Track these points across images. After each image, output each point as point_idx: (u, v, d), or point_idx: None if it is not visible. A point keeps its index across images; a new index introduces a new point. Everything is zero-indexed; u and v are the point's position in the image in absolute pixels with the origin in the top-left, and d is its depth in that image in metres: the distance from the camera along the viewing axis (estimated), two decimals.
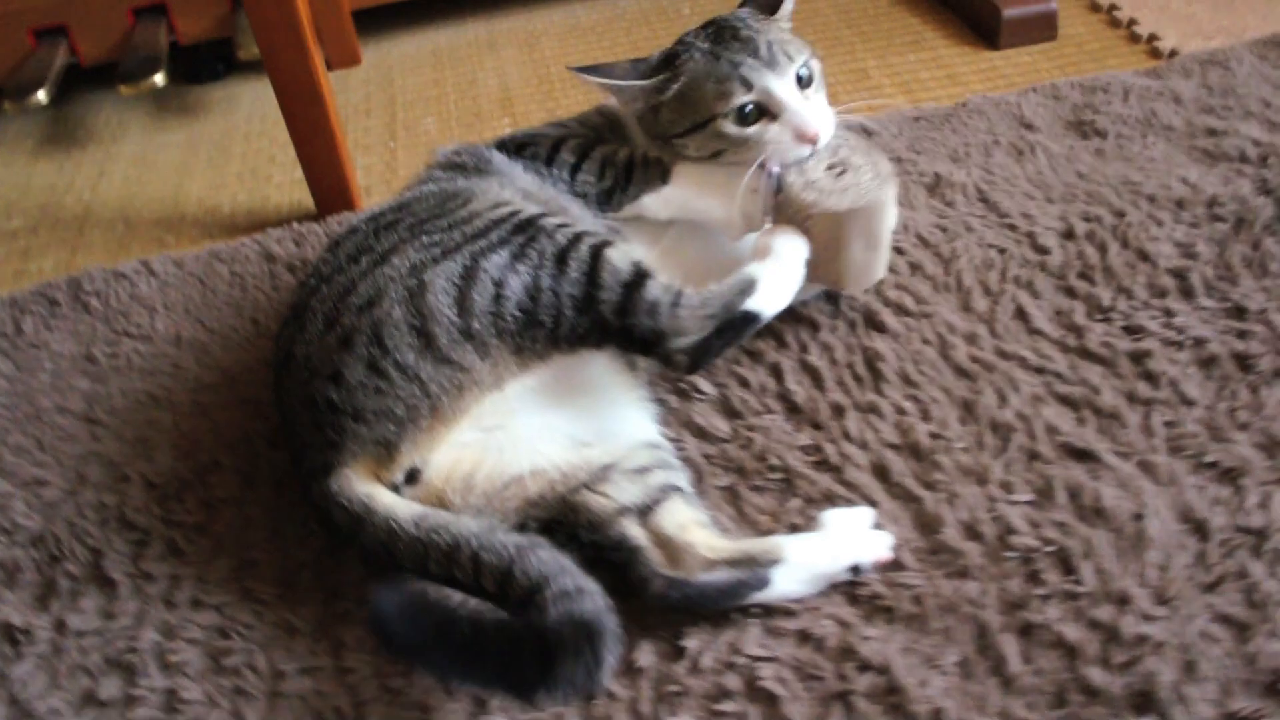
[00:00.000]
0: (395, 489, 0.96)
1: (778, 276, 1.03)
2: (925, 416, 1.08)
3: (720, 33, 1.13)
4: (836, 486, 1.03)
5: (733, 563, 0.93)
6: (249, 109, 1.79)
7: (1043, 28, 1.71)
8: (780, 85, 1.09)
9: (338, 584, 0.99)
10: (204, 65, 1.87)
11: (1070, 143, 1.44)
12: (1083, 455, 1.03)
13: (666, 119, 1.13)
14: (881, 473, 1.04)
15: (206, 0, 1.74)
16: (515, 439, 0.97)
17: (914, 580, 0.94)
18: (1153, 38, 1.68)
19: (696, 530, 0.95)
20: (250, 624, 0.97)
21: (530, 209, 1.04)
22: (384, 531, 0.91)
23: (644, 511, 0.96)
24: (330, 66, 1.89)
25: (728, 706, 0.87)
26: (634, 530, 0.95)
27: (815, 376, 1.14)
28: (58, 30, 1.74)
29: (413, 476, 0.96)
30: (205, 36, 1.78)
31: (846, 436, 1.07)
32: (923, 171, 1.40)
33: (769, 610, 0.93)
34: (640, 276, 0.98)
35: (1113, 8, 1.78)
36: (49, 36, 1.74)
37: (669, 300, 0.97)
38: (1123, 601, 0.90)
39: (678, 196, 1.13)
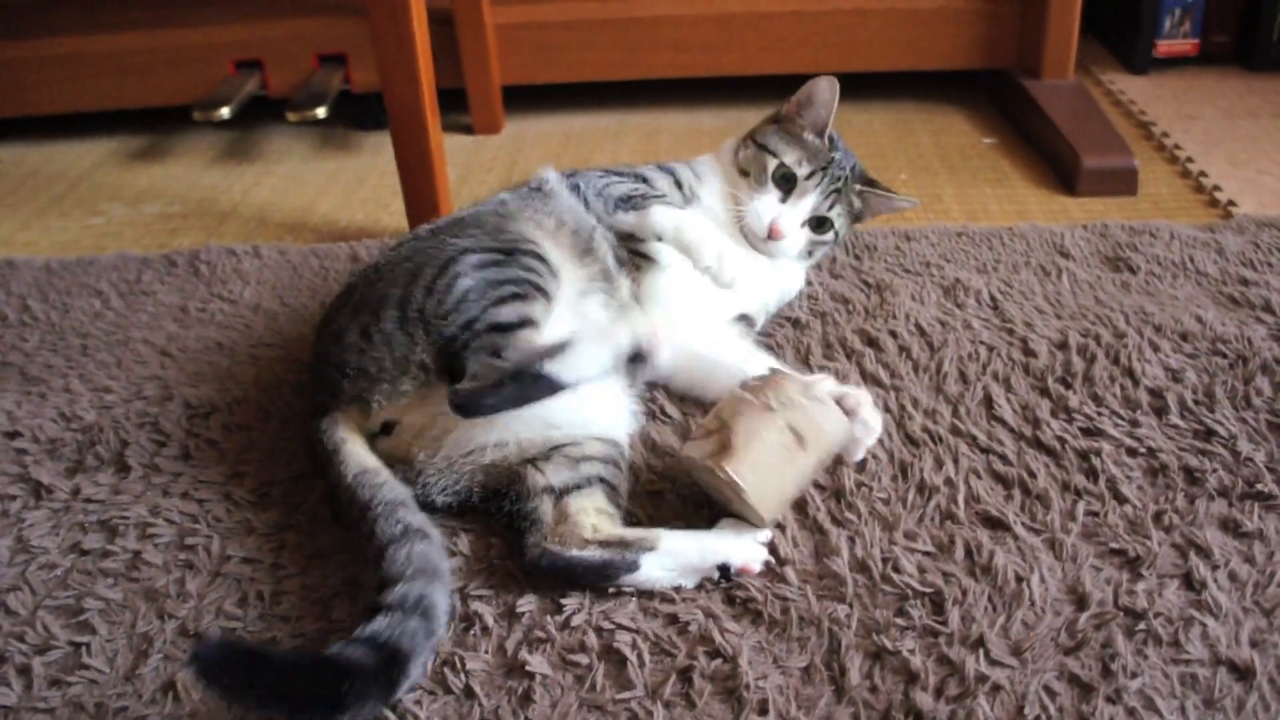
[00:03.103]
0: (372, 438, 1.10)
1: (586, 350, 1.05)
2: (859, 469, 1.15)
3: (842, 147, 1.41)
4: None
5: (607, 544, 1.01)
6: (393, 156, 2.05)
7: (1123, 182, 1.76)
8: (811, 196, 1.35)
9: (301, 502, 1.13)
10: (369, 114, 2.14)
11: (1099, 273, 1.49)
12: (995, 524, 1.07)
13: (770, 131, 1.40)
14: (799, 505, 1.10)
15: None
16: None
17: (790, 594, 1.00)
18: (1230, 204, 1.70)
19: (594, 515, 1.04)
20: (220, 518, 1.12)
21: (524, 244, 1.18)
22: (335, 474, 1.06)
23: (562, 493, 1.06)
24: (473, 130, 2.14)
25: (580, 659, 0.95)
26: (545, 507, 1.05)
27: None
28: (255, 63, 2.05)
29: (388, 428, 1.10)
30: (374, 88, 2.05)
31: None
32: (945, 276, 1.48)
33: (651, 594, 1.01)
34: (518, 326, 1.08)
35: (1201, 174, 1.82)
36: (246, 67, 2.05)
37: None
38: (977, 646, 0.94)
39: (676, 216, 1.34)
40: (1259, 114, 2.07)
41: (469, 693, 0.92)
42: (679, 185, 1.42)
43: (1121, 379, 1.26)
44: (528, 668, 0.94)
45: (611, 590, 1.01)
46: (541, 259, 1.17)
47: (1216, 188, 1.76)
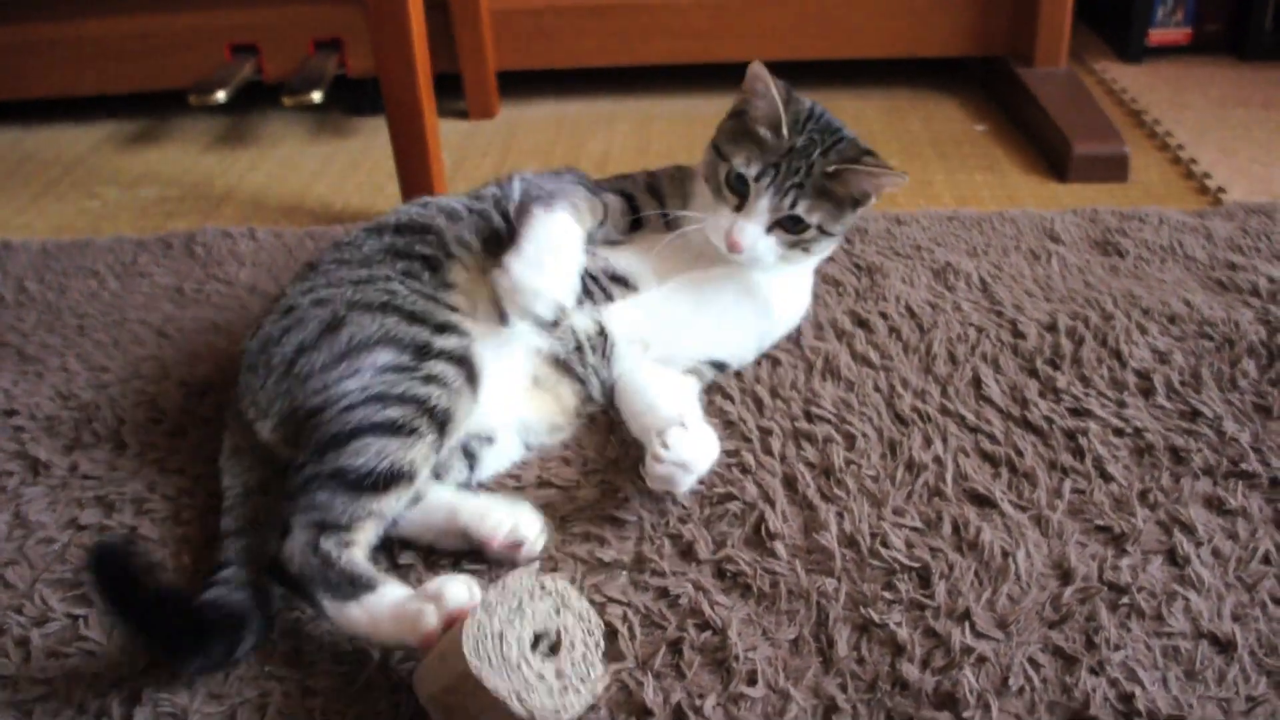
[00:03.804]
0: None
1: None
2: (849, 447, 1.16)
3: (816, 128, 1.21)
4: (748, 484, 1.11)
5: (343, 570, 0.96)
6: (389, 141, 2.06)
7: (1113, 169, 1.77)
8: (765, 198, 1.17)
9: None
10: (364, 99, 2.15)
11: (1088, 257, 1.50)
12: (982, 501, 1.09)
13: (725, 129, 1.24)
14: (789, 482, 1.12)
15: None
16: None
17: (779, 568, 1.02)
18: (1220, 191, 1.72)
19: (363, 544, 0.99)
20: (215, 493, 1.13)
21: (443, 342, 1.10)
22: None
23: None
24: (468, 115, 2.15)
25: None
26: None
27: (758, 403, 1.23)
28: (251, 48, 2.05)
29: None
30: (370, 73, 2.05)
31: (768, 451, 1.16)
32: (935, 259, 1.49)
33: (642, 568, 1.02)
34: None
35: (1192, 161, 1.83)
36: (242, 52, 2.05)
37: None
38: (963, 619, 0.95)
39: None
40: (1250, 103, 2.09)
41: None
42: (652, 196, 1.29)
43: (1109, 361, 1.27)
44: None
45: (604, 563, 1.03)
46: (459, 360, 1.08)
47: (1207, 175, 1.78)
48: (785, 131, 1.18)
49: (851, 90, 2.22)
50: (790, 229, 1.19)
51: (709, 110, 2.13)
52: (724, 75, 2.23)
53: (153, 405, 1.26)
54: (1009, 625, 0.94)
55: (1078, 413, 1.20)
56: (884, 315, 1.37)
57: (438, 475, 1.08)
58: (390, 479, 0.99)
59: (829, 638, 0.95)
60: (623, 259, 1.24)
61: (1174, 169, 1.83)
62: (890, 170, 1.19)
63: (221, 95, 1.90)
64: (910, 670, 0.91)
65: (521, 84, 2.21)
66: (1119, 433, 1.17)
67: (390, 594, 0.94)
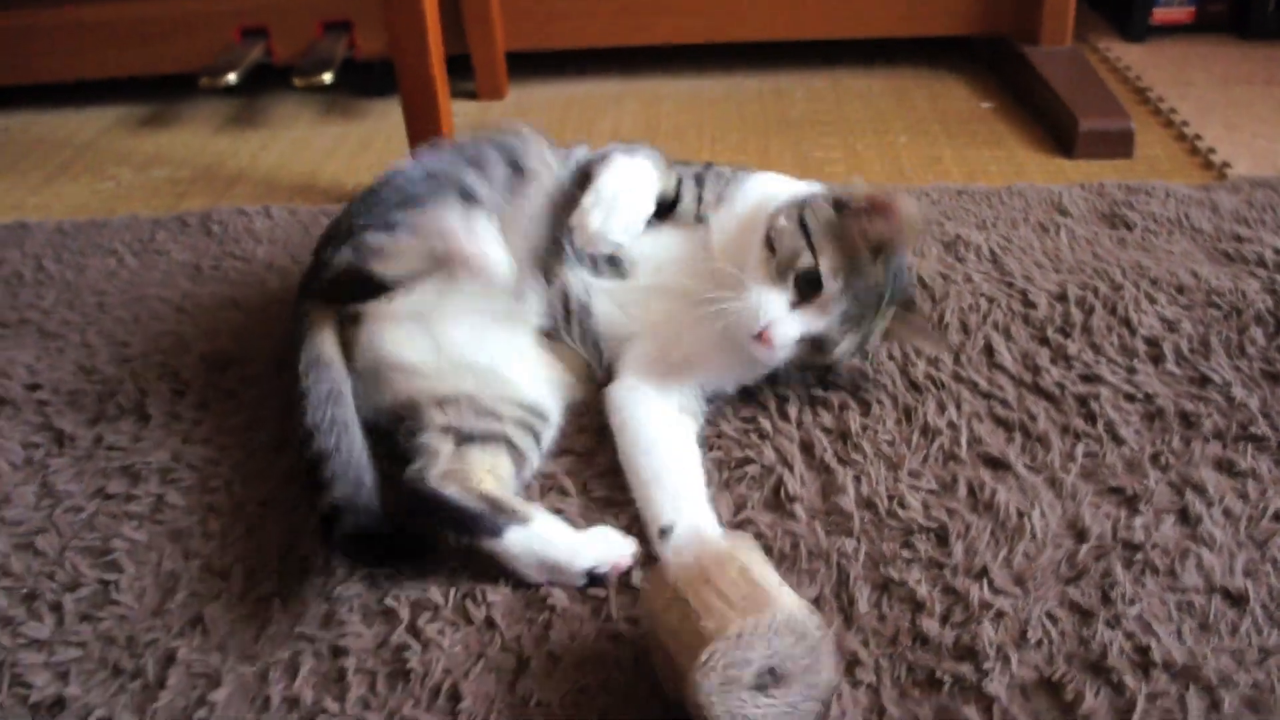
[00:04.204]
0: (342, 325, 1.12)
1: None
2: (865, 413, 1.18)
3: (898, 274, 1.13)
4: (765, 449, 1.13)
5: (484, 499, 0.99)
6: (400, 120, 2.07)
7: (1119, 144, 1.79)
8: (829, 314, 1.09)
9: None
10: (373, 80, 2.16)
11: (1096, 229, 1.52)
12: (997, 464, 1.10)
13: (824, 216, 1.12)
14: (807, 447, 1.14)
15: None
16: (434, 342, 1.11)
17: (798, 530, 1.03)
18: (1225, 165, 1.73)
19: (487, 472, 1.03)
20: (240, 462, 1.15)
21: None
22: (294, 354, 1.09)
23: (464, 438, 1.06)
24: (478, 96, 2.16)
25: (597, 591, 0.98)
26: (443, 445, 1.05)
27: (771, 375, 1.24)
28: (260, 31, 2.06)
29: (355, 319, 1.12)
30: (380, 55, 2.06)
31: (785, 417, 1.18)
32: (945, 232, 1.51)
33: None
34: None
35: (1197, 137, 1.84)
36: (252, 35, 2.07)
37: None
38: (980, 576, 0.97)
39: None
40: (1253, 80, 2.10)
41: (490, 623, 0.95)
42: (697, 186, 1.22)
43: (1119, 329, 1.29)
44: (548, 600, 0.97)
45: (625, 529, 1.04)
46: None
47: (1211, 150, 1.79)
48: (883, 269, 1.10)
49: (860, 69, 2.23)
50: (815, 348, 1.11)
51: (716, 90, 2.15)
52: (730, 55, 2.26)
53: (175, 378, 1.28)
54: (1026, 582, 0.96)
55: (1089, 379, 1.21)
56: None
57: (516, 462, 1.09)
58: None
59: (849, 596, 0.96)
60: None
61: (1179, 145, 1.85)
62: (940, 340, 1.27)
63: (232, 77, 1.92)
64: (930, 625, 0.93)
65: (530, 65, 2.22)
66: (1130, 398, 1.19)
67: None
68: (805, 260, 1.08)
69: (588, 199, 1.13)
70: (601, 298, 1.19)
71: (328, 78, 1.89)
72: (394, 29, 1.56)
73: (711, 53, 2.21)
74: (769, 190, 1.21)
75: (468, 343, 1.13)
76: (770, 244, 1.11)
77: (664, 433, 1.12)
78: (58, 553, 1.05)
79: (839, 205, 1.13)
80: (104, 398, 1.25)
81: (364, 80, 2.17)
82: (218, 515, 1.09)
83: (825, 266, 1.08)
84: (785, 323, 1.09)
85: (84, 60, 2.13)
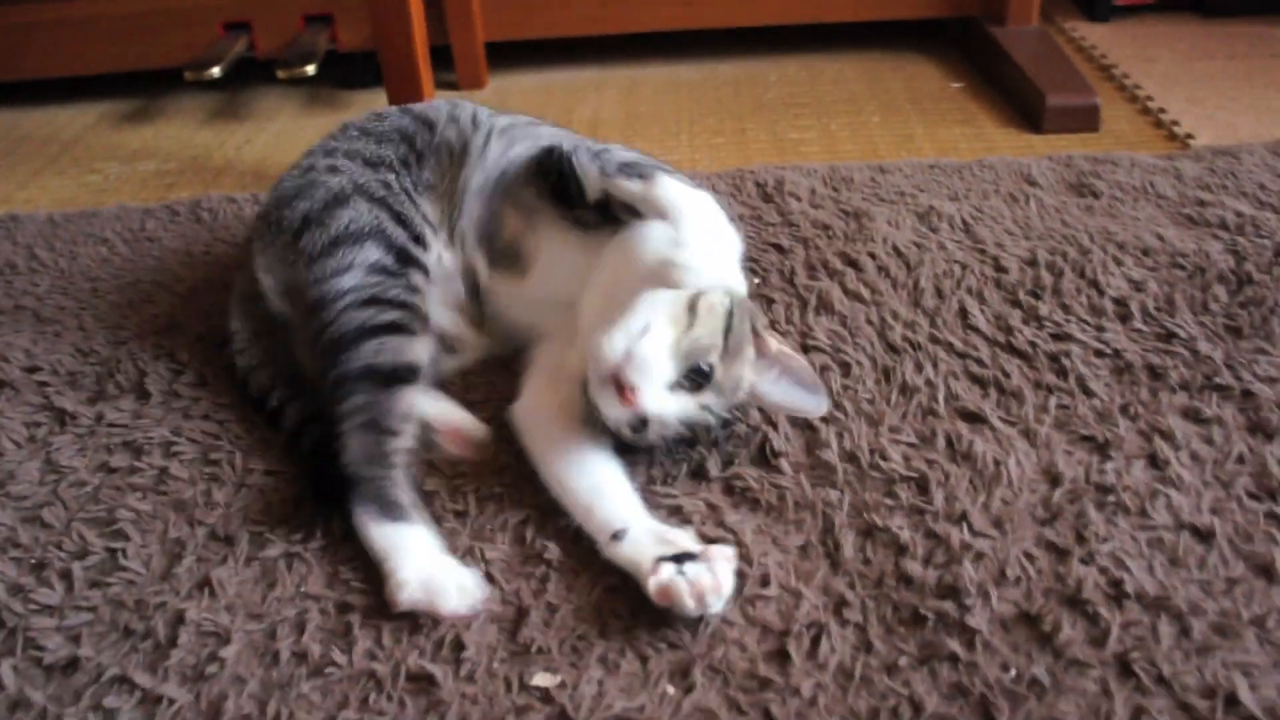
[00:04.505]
0: None
1: None
2: (845, 374, 1.22)
3: None
4: (750, 408, 1.16)
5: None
6: None
7: (1085, 119, 1.84)
8: (691, 404, 1.03)
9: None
10: (356, 73, 2.19)
11: (1065, 198, 1.56)
12: (973, 418, 1.15)
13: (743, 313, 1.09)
14: None
15: (364, 15, 2.07)
16: None
17: (784, 483, 1.07)
18: (1189, 136, 1.79)
19: None
20: (240, 435, 1.18)
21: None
22: None
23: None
24: (458, 86, 2.19)
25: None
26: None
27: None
28: (243, 25, 2.09)
29: None
30: (361, 47, 2.10)
31: None
32: (919, 203, 1.55)
33: (654, 488, 1.08)
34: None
35: (1161, 110, 1.90)
36: (235, 29, 2.09)
37: None
38: (960, 520, 1.01)
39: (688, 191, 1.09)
40: (1215, 56, 2.16)
41: (489, 578, 0.99)
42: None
43: (1088, 290, 1.34)
44: (545, 555, 1.01)
45: None
46: (425, 274, 1.18)
47: (1175, 123, 1.84)
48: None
49: (832, 54, 2.28)
50: (641, 428, 1.02)
51: (692, 76, 2.19)
52: (706, 41, 2.30)
53: (172, 358, 1.30)
54: (1004, 524, 1.00)
55: (1060, 337, 1.26)
56: (872, 255, 1.42)
57: None
58: (411, 372, 1.09)
59: (835, 542, 1.00)
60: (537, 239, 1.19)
61: (1144, 119, 1.90)
62: None
63: (216, 71, 1.94)
64: (913, 567, 0.97)
65: (509, 54, 2.26)
66: (1099, 354, 1.23)
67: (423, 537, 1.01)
68: (714, 355, 1.02)
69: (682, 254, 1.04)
70: (499, 292, 1.22)
71: (311, 69, 1.92)
72: (379, 20, 1.59)
73: (687, 40, 2.26)
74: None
75: None
76: (693, 311, 1.03)
77: (580, 447, 1.07)
78: (64, 524, 1.08)
79: (754, 329, 1.08)
80: (103, 378, 1.28)
81: (345, 72, 2.21)
82: (220, 485, 1.12)
83: (719, 373, 1.03)
84: (657, 397, 1.00)
85: (69, 57, 2.15)
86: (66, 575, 1.02)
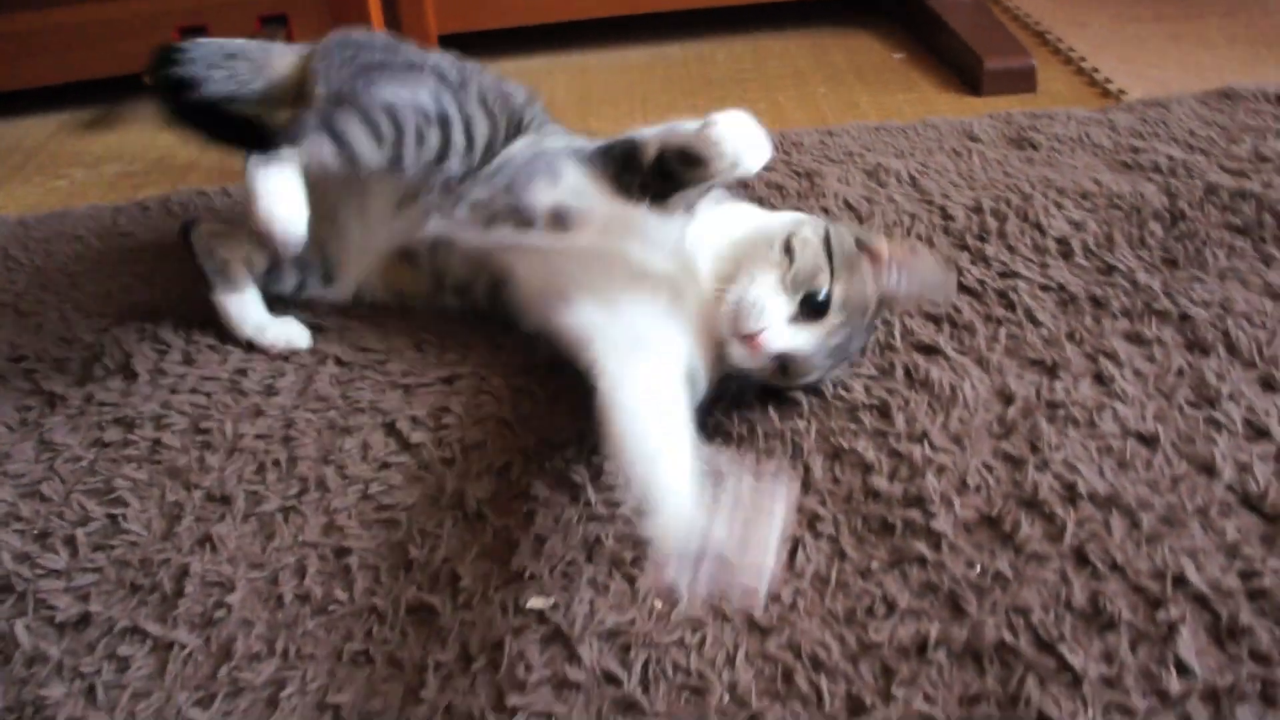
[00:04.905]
0: None
1: None
2: None
3: None
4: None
5: (220, 262, 1.33)
6: None
7: (1022, 81, 1.92)
8: (825, 339, 1.08)
9: (307, 387, 1.24)
10: None
11: (1005, 152, 1.64)
12: (929, 350, 1.21)
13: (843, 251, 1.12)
14: None
15: (320, 13, 2.11)
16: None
17: (753, 415, 1.13)
18: (1122, 92, 1.87)
19: (241, 252, 1.34)
20: (229, 405, 1.22)
21: None
22: None
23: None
24: None
25: (575, 478, 1.07)
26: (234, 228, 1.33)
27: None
28: (199, 29, 2.12)
29: None
30: None
31: None
32: (867, 162, 1.62)
33: None
34: None
35: (1094, 70, 1.98)
36: (191, 33, 2.12)
37: None
38: (921, 439, 1.08)
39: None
40: (1143, 18, 2.25)
41: (479, 515, 1.04)
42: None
43: (1031, 232, 1.41)
44: (530, 492, 1.06)
45: None
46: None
47: (1108, 81, 1.93)
48: (872, 321, 1.15)
49: (777, 31, 2.36)
50: (784, 370, 1.10)
51: (642, 59, 2.25)
52: (654, 24, 2.35)
53: (156, 339, 1.34)
54: (962, 440, 1.07)
55: (1006, 275, 1.33)
56: (825, 210, 1.49)
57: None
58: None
59: (805, 464, 1.06)
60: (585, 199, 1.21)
61: (1078, 78, 1.99)
62: None
63: None
64: (880, 482, 1.03)
65: (461, 45, 2.30)
66: (1045, 288, 1.30)
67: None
68: (822, 280, 1.07)
69: (714, 129, 1.08)
70: (531, 259, 1.23)
71: None
72: (339, 16, 1.63)
73: (635, 24, 2.32)
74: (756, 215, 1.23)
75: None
76: (789, 251, 1.09)
77: (666, 419, 1.01)
78: (63, 497, 1.11)
79: (859, 243, 1.13)
80: (88, 362, 1.31)
81: None
82: (213, 451, 1.16)
83: (838, 294, 1.08)
84: (780, 333, 1.06)
85: (27, 68, 2.17)
86: (70, 541, 1.05)
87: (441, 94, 1.28)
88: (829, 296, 1.08)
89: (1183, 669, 0.83)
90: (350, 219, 1.33)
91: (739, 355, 1.08)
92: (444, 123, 1.25)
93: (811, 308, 1.07)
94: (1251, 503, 0.97)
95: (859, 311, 1.10)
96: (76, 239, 1.63)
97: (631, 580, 0.96)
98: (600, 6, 2.23)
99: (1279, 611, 0.86)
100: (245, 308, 1.32)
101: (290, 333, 1.32)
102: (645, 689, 0.86)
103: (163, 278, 1.49)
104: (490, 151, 1.31)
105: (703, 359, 1.11)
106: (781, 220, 1.17)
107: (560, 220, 1.22)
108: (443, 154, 1.26)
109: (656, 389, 1.03)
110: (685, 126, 1.12)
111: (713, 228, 1.17)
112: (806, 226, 1.13)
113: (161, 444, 1.17)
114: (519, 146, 1.33)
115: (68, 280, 1.51)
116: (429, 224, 1.29)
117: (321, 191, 1.20)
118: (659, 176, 1.14)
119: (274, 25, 2.13)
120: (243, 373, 1.27)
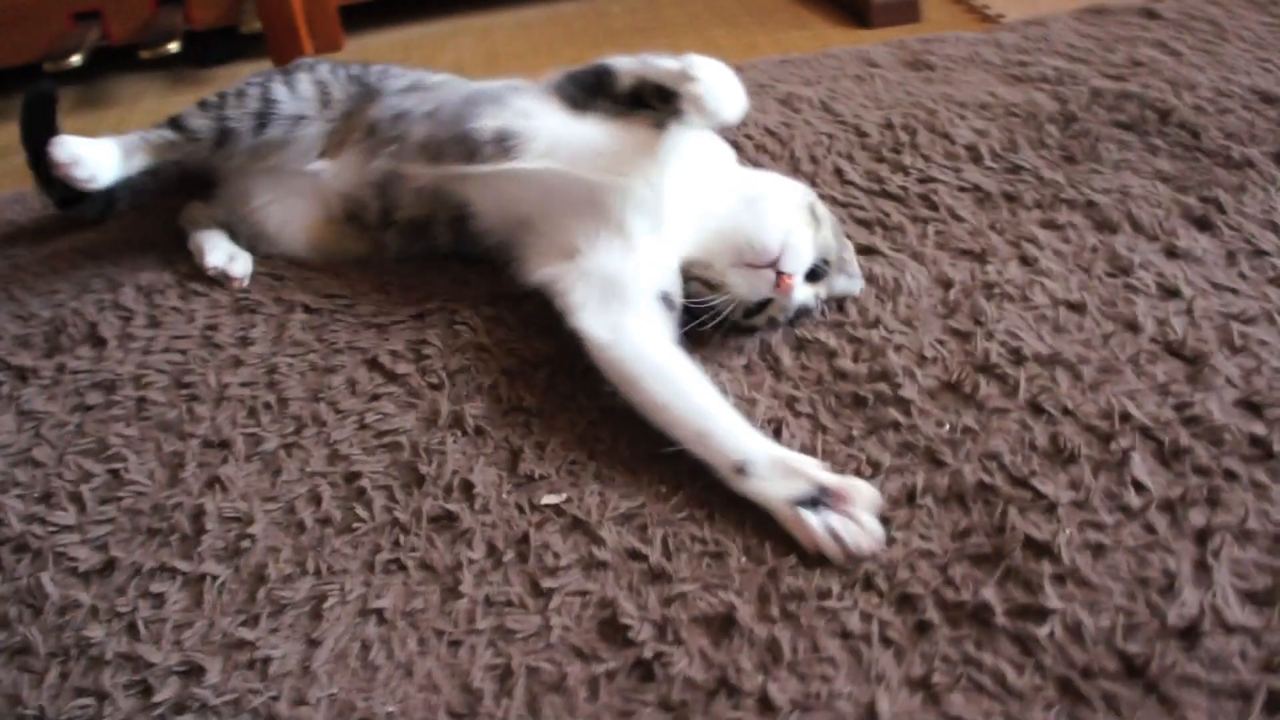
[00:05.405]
0: None
1: None
2: None
3: None
4: None
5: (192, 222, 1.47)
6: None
7: (907, 12, 2.05)
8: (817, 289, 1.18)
9: (281, 334, 1.27)
10: (212, 51, 2.22)
11: (904, 74, 1.75)
12: (868, 250, 1.31)
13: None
14: None
15: None
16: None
17: None
18: (1000, 16, 2.01)
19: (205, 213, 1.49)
20: (206, 359, 1.25)
21: None
22: None
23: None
24: (316, 51, 2.24)
25: (565, 388, 1.13)
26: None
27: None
28: (93, 14, 2.10)
29: None
30: (214, 24, 2.13)
31: None
32: (779, 92, 1.72)
33: None
34: None
35: None
36: (85, 19, 2.10)
37: None
38: (875, 325, 1.17)
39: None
40: None
41: (479, 431, 1.10)
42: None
43: (941, 142, 1.52)
44: (523, 405, 1.12)
45: None
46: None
47: (985, 5, 2.06)
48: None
49: None
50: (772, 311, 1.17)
51: (540, 16, 2.31)
52: None
53: (117, 306, 1.35)
54: (913, 322, 1.17)
55: (925, 180, 1.44)
56: (748, 137, 1.57)
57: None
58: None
59: (774, 356, 1.15)
60: (534, 124, 1.25)
61: (957, 6, 2.12)
62: None
63: (76, 59, 1.96)
64: (845, 364, 1.12)
65: (365, 16, 2.33)
66: (962, 189, 1.41)
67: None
68: (833, 251, 1.18)
69: (695, 85, 1.11)
70: (486, 189, 1.27)
71: (174, 46, 1.96)
72: None
73: None
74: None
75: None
76: (816, 219, 1.17)
77: (680, 373, 1.07)
78: (57, 460, 1.13)
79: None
80: (51, 335, 1.32)
81: (200, 51, 2.23)
82: (201, 402, 1.19)
83: (832, 274, 1.19)
84: (800, 284, 1.15)
85: None
86: (76, 498, 1.08)
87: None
88: (829, 267, 1.18)
89: (1139, 487, 0.94)
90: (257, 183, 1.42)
91: (763, 285, 1.13)
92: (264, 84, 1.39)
93: (817, 270, 1.17)
94: (1173, 349, 1.09)
95: (830, 287, 1.20)
96: (8, 224, 1.61)
97: (634, 471, 1.03)
98: None
99: (1211, 434, 0.98)
100: (214, 240, 1.42)
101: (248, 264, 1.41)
102: (668, 558, 0.94)
103: (108, 249, 1.50)
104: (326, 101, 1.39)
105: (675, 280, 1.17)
106: (786, 182, 1.27)
107: (504, 144, 1.24)
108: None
109: (653, 345, 1.09)
110: (663, 63, 1.18)
111: (700, 161, 1.24)
112: (821, 204, 1.22)
113: (147, 400, 1.19)
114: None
115: (7, 263, 1.50)
116: (371, 165, 1.33)
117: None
118: (629, 103, 1.21)
119: (171, 6, 2.12)
120: (213, 328, 1.30)
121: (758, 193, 1.21)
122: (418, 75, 1.45)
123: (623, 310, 1.13)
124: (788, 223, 1.15)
